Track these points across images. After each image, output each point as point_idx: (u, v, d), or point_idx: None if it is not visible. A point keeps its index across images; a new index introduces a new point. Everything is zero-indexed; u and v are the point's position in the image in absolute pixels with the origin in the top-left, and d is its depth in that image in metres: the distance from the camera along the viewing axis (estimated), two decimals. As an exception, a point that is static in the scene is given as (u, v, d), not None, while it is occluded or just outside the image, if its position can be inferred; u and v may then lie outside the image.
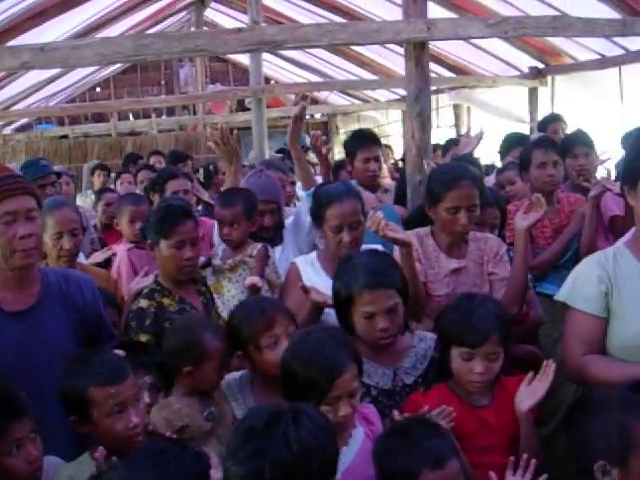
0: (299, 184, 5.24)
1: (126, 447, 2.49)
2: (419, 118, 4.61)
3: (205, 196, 7.24)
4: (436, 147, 7.74)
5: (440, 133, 11.77)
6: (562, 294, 3.09)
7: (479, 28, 4.66)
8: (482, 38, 5.51)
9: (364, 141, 5.06)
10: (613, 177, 5.00)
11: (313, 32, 4.49)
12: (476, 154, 6.36)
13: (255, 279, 3.86)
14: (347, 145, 5.32)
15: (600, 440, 2.28)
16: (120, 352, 2.88)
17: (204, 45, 4.37)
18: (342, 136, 15.86)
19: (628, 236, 3.12)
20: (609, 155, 5.64)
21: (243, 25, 11.10)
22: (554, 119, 6.82)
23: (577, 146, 5.10)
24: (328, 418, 2.06)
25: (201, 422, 2.92)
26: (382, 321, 2.94)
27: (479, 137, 6.58)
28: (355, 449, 2.56)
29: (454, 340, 2.88)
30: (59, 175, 7.15)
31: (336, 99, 16.82)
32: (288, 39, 4.42)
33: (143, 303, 3.56)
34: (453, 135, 10.81)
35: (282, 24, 10.91)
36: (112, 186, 8.05)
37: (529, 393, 2.85)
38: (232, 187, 4.45)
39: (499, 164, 6.60)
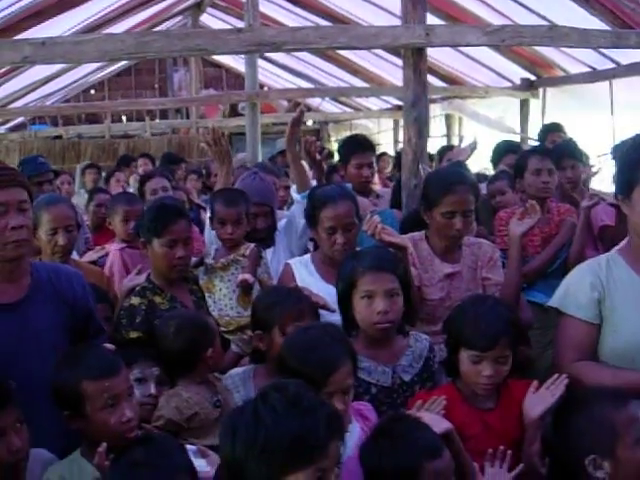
0: (293, 188, 5.27)
1: (119, 442, 2.48)
2: (416, 123, 4.63)
3: (196, 198, 7.27)
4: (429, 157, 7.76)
5: (432, 143, 11.80)
6: (555, 300, 3.10)
7: (477, 36, 4.68)
8: (479, 46, 5.53)
9: (358, 147, 5.09)
10: (605, 187, 5.05)
11: (312, 34, 4.49)
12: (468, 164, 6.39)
13: (247, 275, 3.89)
14: (341, 150, 5.35)
15: (588, 435, 2.32)
16: (110, 346, 2.89)
17: (205, 44, 4.38)
18: (334, 144, 15.90)
19: (622, 244, 3.14)
20: (598, 167, 5.69)
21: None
22: (555, 129, 6.79)
23: (564, 159, 5.13)
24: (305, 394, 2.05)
25: (210, 409, 2.97)
26: (381, 303, 3.00)
27: (472, 147, 6.62)
28: (351, 445, 2.55)
29: (464, 343, 2.89)
30: (56, 174, 7.15)
31: (328, 107, 16.85)
32: (288, 41, 4.43)
33: (134, 300, 3.58)
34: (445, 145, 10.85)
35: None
36: (101, 185, 8.09)
37: (538, 400, 2.84)
38: (231, 187, 4.47)
39: (490, 172, 6.63)
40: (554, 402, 2.81)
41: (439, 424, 2.62)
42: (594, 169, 5.71)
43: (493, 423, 2.88)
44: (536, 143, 7.40)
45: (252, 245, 4.14)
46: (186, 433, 2.90)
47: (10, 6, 7.62)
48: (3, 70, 10.21)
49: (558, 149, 5.43)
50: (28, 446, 2.52)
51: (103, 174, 9.15)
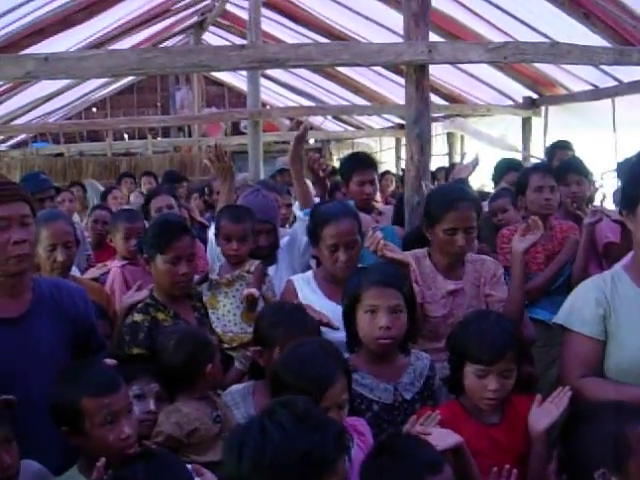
0: (296, 205, 5.26)
1: (117, 458, 2.47)
2: (418, 140, 4.62)
3: (198, 216, 7.26)
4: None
5: (434, 161, 11.81)
6: (560, 317, 3.09)
7: (479, 53, 4.68)
8: (482, 62, 5.54)
9: (360, 164, 5.08)
10: (608, 204, 5.03)
11: (315, 51, 4.51)
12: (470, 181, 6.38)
13: (253, 290, 3.87)
14: (343, 167, 5.34)
15: (598, 449, 2.31)
16: (111, 361, 2.87)
17: (207, 61, 4.38)
18: (336, 163, 15.95)
19: (626, 260, 3.13)
20: (600, 184, 5.68)
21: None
22: (563, 147, 6.72)
23: (569, 174, 5.13)
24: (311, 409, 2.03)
25: (210, 425, 2.94)
26: (384, 318, 2.98)
27: (474, 164, 6.61)
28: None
29: (469, 357, 2.88)
30: (58, 190, 7.14)
31: (330, 126, 16.90)
32: (290, 57, 4.44)
33: (137, 317, 3.56)
34: (446, 164, 10.86)
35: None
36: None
37: (544, 413, 2.83)
38: (235, 204, 4.45)
39: (490, 189, 6.61)
40: (559, 415, 2.79)
41: (449, 438, 2.60)
42: (597, 185, 5.69)
43: (499, 438, 2.87)
44: (538, 161, 7.38)
45: (257, 262, 4.12)
46: (186, 449, 2.87)
47: (13, 23, 7.67)
48: (5, 87, 10.25)
49: (564, 165, 5.43)
50: (18, 463, 2.51)
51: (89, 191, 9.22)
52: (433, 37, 5.27)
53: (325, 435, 1.89)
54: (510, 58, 4.83)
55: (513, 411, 2.93)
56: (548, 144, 9.22)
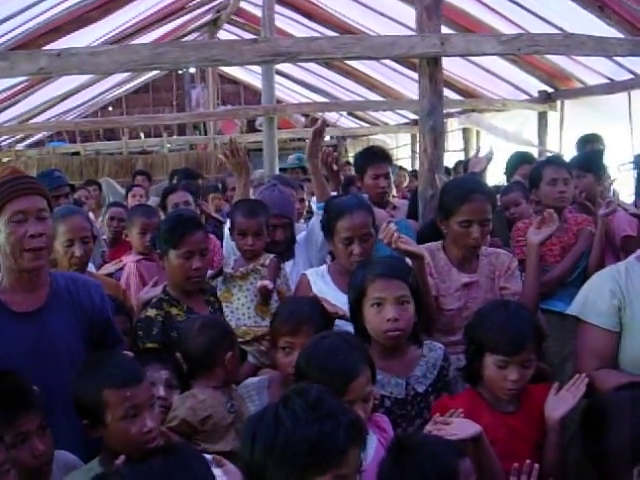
0: (313, 200, 5.26)
1: (139, 451, 2.45)
2: (432, 133, 4.61)
3: (212, 212, 7.27)
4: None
5: (450, 157, 11.79)
6: (574, 308, 3.08)
7: (492, 45, 4.67)
8: (495, 55, 5.52)
9: (374, 158, 5.08)
10: (622, 198, 5.00)
11: (328, 45, 4.52)
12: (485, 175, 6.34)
13: (267, 282, 3.86)
14: (357, 161, 5.34)
15: (627, 447, 2.26)
16: (129, 353, 2.87)
17: (220, 55, 4.39)
18: (351, 160, 15.95)
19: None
20: (614, 178, 5.65)
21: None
22: (593, 140, 6.70)
23: (571, 169, 5.08)
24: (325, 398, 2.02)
25: (224, 414, 2.94)
26: (391, 310, 2.96)
27: (489, 157, 6.57)
28: (369, 456, 2.52)
29: (489, 348, 2.87)
30: (73, 188, 7.17)
31: (346, 122, 16.87)
32: (303, 51, 4.45)
33: (151, 312, 3.56)
34: (462, 159, 10.83)
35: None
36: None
37: (559, 402, 2.83)
38: (250, 198, 4.45)
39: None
40: (576, 403, 2.78)
41: (469, 428, 2.59)
42: (611, 180, 5.65)
43: (516, 426, 2.87)
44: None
45: (272, 255, 4.12)
46: (199, 436, 2.86)
47: (28, 21, 7.70)
48: (22, 86, 10.30)
49: (570, 161, 5.40)
50: (52, 450, 2.53)
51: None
52: (445, 31, 5.26)
53: (336, 424, 1.89)
54: (524, 50, 4.80)
55: (530, 399, 2.93)
56: (566, 138, 9.24)
